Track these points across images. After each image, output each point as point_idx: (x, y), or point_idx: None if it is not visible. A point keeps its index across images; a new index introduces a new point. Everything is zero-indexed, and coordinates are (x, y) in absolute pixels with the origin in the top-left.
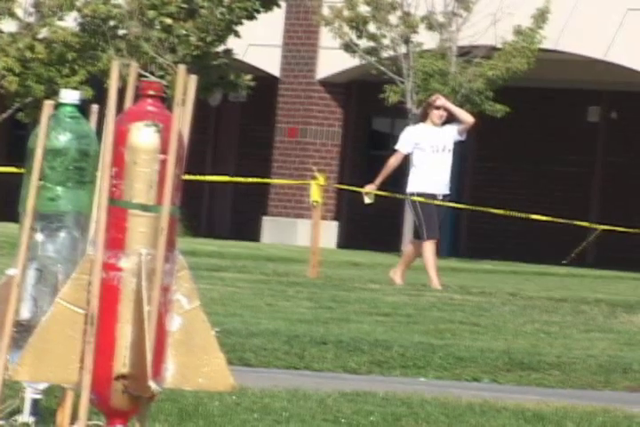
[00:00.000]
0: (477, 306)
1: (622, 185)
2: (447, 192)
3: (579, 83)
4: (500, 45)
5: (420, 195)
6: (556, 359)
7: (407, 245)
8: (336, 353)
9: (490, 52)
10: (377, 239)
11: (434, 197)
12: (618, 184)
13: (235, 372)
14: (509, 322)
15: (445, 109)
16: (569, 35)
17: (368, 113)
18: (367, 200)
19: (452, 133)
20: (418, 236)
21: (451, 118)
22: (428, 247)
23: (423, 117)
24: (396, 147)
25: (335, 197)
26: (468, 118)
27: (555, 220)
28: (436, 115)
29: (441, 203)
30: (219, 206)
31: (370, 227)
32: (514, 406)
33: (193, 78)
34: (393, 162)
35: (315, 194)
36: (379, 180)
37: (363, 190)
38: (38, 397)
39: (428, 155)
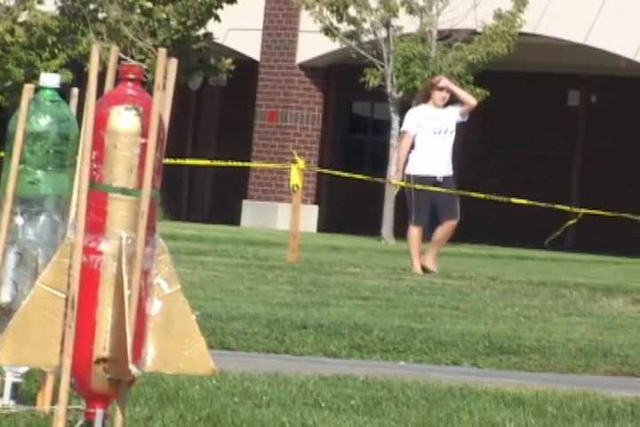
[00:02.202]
0: (457, 290)
1: (602, 169)
2: (448, 173)
3: (559, 67)
4: (480, 29)
5: (417, 177)
6: (536, 343)
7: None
8: (316, 337)
9: (470, 35)
10: (357, 223)
11: (433, 179)
12: (598, 168)
13: (215, 356)
14: (489, 306)
15: (448, 91)
16: (549, 19)
17: (348, 97)
18: (395, 190)
19: (454, 115)
20: (448, 217)
21: (453, 99)
22: (413, 232)
23: (425, 98)
24: (404, 129)
25: (315, 181)
26: (471, 100)
27: (535, 203)
28: (439, 96)
29: (433, 188)
30: (199, 190)
31: (350, 211)
32: (494, 389)
33: (173, 62)
34: (406, 145)
35: (295, 178)
36: (400, 167)
37: (392, 182)
38: (18, 381)
39: (430, 136)
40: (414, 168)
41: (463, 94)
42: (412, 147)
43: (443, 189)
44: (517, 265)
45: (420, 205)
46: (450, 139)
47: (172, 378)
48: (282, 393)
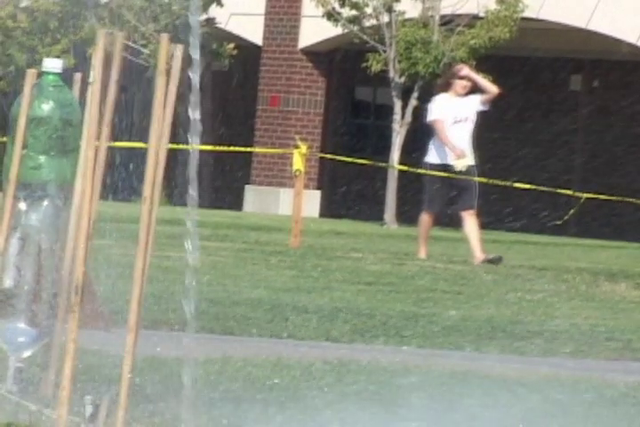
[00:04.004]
0: (460, 275)
1: (604, 153)
2: (469, 163)
3: (561, 51)
4: (482, 14)
5: (434, 166)
6: (539, 328)
7: (464, 224)
8: (319, 322)
9: (472, 20)
10: (359, 208)
11: (451, 167)
12: (600, 153)
13: (218, 341)
14: (492, 291)
15: (469, 79)
16: (551, 3)
17: (350, 82)
18: (462, 165)
19: (474, 104)
20: (464, 207)
21: (474, 88)
22: (424, 219)
23: (446, 87)
24: (434, 118)
25: (318, 165)
26: (493, 89)
27: (537, 188)
28: (460, 85)
29: (451, 175)
30: (201, 175)
31: (352, 196)
32: (496, 374)
33: (179, 48)
34: (443, 130)
35: (297, 163)
36: (457, 148)
37: (458, 162)
38: (21, 365)
39: (450, 125)
40: (432, 157)
41: (484, 83)
42: (433, 135)
43: (451, 175)
44: (520, 250)
45: (433, 192)
46: (469, 127)
47: (173, 363)
48: (285, 378)
